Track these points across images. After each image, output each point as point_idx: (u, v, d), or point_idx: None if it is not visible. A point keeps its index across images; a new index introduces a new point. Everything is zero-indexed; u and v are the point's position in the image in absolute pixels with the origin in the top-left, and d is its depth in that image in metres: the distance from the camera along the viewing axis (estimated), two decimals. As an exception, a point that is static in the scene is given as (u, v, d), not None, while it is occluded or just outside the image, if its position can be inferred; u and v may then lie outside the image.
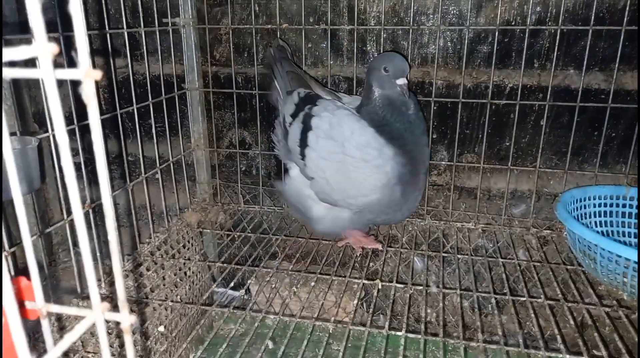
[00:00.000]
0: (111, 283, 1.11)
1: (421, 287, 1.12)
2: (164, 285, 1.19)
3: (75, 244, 1.05)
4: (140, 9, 1.24)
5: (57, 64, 0.28)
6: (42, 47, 0.25)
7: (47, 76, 0.27)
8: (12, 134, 0.95)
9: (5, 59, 0.25)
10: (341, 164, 1.12)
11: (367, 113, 1.15)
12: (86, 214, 1.07)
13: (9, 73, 0.28)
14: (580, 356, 0.89)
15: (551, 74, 1.25)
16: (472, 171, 1.42)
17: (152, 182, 1.32)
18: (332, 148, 1.14)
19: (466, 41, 1.30)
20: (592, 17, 1.18)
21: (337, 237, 1.32)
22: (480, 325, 1.00)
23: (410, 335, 0.95)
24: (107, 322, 0.33)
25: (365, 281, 1.16)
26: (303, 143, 1.18)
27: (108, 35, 1.15)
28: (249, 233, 1.46)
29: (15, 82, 1.52)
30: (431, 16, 1.31)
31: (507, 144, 1.35)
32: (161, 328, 1.08)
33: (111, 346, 0.98)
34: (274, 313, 1.08)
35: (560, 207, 1.16)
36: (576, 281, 1.15)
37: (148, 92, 1.28)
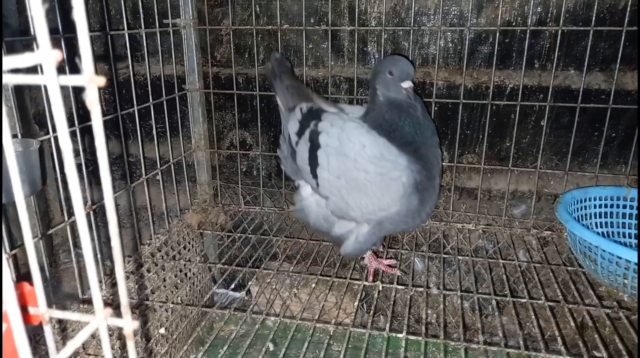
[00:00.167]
0: (113, 285, 1.11)
1: (422, 288, 1.12)
2: (164, 286, 1.19)
3: (76, 245, 1.05)
4: (140, 10, 1.24)
5: (59, 67, 0.28)
6: (46, 54, 0.25)
7: (51, 82, 0.27)
8: (13, 136, 0.95)
9: (8, 66, 0.25)
10: (356, 181, 1.07)
11: (374, 120, 1.12)
12: (87, 216, 1.07)
13: (12, 79, 0.28)
14: (581, 357, 0.89)
15: (552, 75, 1.25)
16: (472, 172, 1.42)
17: (152, 183, 1.32)
18: (344, 165, 1.08)
19: (467, 42, 1.30)
20: (593, 18, 1.18)
21: (360, 258, 1.28)
22: (481, 326, 1.00)
23: (411, 337, 0.95)
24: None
25: (366, 283, 1.16)
26: (313, 162, 1.13)
27: (109, 36, 1.15)
28: (249, 234, 1.46)
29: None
30: (432, 17, 1.31)
31: (508, 144, 1.35)
32: (162, 330, 1.09)
33: (112, 348, 0.98)
34: (274, 315, 1.08)
35: (561, 208, 1.16)
36: (576, 282, 1.15)
37: (149, 93, 1.28)
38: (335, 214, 1.16)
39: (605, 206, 1.25)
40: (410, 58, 1.35)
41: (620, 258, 0.97)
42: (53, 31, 0.93)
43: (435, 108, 1.38)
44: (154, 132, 1.32)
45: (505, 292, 1.11)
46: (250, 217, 1.54)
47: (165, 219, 1.39)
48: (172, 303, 1.12)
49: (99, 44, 1.45)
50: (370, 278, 1.20)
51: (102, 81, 0.28)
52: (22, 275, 1.16)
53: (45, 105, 0.95)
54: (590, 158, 1.32)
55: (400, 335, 0.95)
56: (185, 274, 1.30)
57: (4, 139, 0.29)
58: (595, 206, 1.25)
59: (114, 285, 1.12)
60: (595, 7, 1.17)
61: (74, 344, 0.29)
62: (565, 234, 1.23)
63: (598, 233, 1.23)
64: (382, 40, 1.35)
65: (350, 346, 0.95)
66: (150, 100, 1.27)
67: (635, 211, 1.23)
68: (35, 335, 0.84)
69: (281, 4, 1.38)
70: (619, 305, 1.05)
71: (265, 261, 1.41)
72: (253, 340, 0.99)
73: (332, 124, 1.12)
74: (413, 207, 1.08)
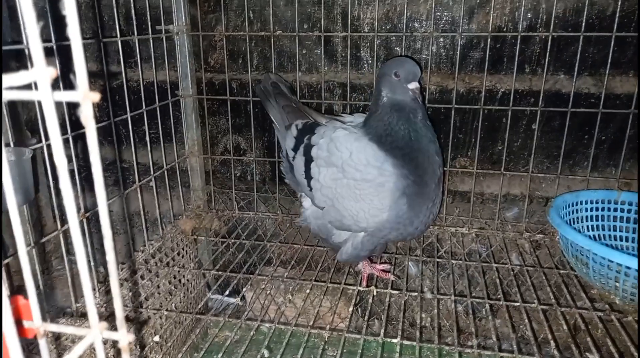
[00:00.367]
0: (107, 292, 1.11)
1: (416, 293, 1.13)
2: (158, 293, 1.19)
3: (69, 252, 1.04)
4: (133, 16, 1.24)
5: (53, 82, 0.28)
6: (41, 71, 0.25)
7: (46, 98, 0.27)
8: (6, 145, 0.94)
9: (4, 85, 0.25)
10: (346, 189, 1.10)
11: (373, 122, 1.12)
12: (80, 223, 1.06)
13: (8, 95, 0.28)
14: (574, 360, 0.90)
15: (542, 79, 1.27)
16: (465, 175, 1.43)
17: (146, 189, 1.32)
18: (334, 175, 1.12)
19: (459, 47, 1.31)
20: (583, 24, 1.20)
21: (354, 264, 1.29)
22: (475, 329, 1.01)
23: (406, 342, 0.95)
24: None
25: (360, 288, 1.17)
26: (308, 175, 1.17)
27: (101, 43, 1.15)
28: (243, 239, 1.46)
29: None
30: (424, 23, 1.32)
31: (500, 148, 1.37)
32: (156, 338, 1.08)
33: (106, 356, 0.98)
34: (269, 321, 1.08)
35: (553, 212, 1.17)
36: (569, 285, 1.16)
37: (142, 99, 1.27)
38: (333, 224, 1.17)
39: (597, 209, 1.26)
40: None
41: (611, 261, 0.98)
42: (45, 40, 0.92)
43: (428, 112, 1.38)
44: (147, 138, 1.32)
45: (499, 295, 1.12)
46: (244, 222, 1.54)
47: (159, 226, 1.38)
48: (167, 310, 1.11)
49: (92, 50, 1.45)
50: (364, 283, 1.21)
51: (96, 96, 0.28)
52: (15, 285, 1.15)
53: (38, 112, 0.94)
54: (580, 160, 1.34)
55: (395, 340, 0.95)
56: (180, 280, 1.30)
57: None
58: (586, 210, 1.26)
59: (107, 292, 1.11)
60: (585, 13, 1.19)
61: (69, 358, 0.29)
62: (558, 237, 1.24)
63: (589, 237, 1.25)
64: (375, 46, 1.36)
65: (345, 351, 0.95)
66: (144, 106, 1.27)
67: (626, 215, 1.24)
68: (28, 345, 0.83)
69: (274, 10, 1.38)
70: (610, 307, 1.06)
71: (259, 266, 1.41)
72: (248, 346, 0.99)
73: (323, 136, 1.15)
74: (402, 213, 1.07)
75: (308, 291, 1.17)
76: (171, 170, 1.46)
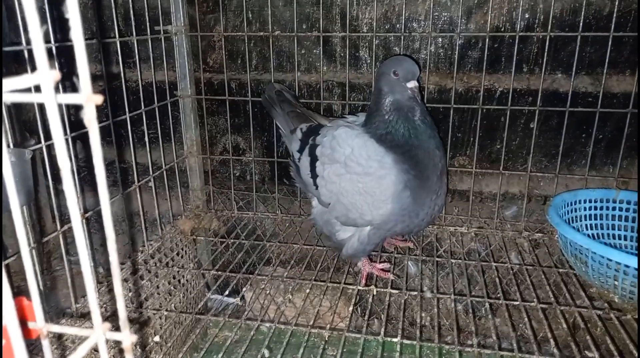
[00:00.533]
0: (106, 292, 1.11)
1: (415, 292, 1.13)
2: (158, 293, 1.19)
3: (68, 252, 1.04)
4: (132, 17, 1.24)
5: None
6: (45, 75, 0.26)
7: (50, 101, 0.27)
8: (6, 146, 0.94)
9: (8, 88, 0.25)
10: (349, 183, 1.13)
11: (373, 121, 1.14)
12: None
13: (11, 98, 0.28)
14: (573, 358, 0.91)
15: (540, 79, 1.27)
16: (464, 174, 1.44)
17: (145, 189, 1.32)
18: (338, 171, 1.15)
19: (457, 47, 1.31)
20: (580, 24, 1.20)
21: (356, 261, 1.29)
22: (475, 328, 1.01)
23: (406, 342, 0.95)
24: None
25: (360, 288, 1.17)
26: (313, 174, 1.21)
27: (100, 43, 1.15)
28: (243, 239, 1.46)
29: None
30: (422, 23, 1.32)
31: (498, 147, 1.37)
32: (157, 338, 1.08)
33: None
34: (269, 321, 1.08)
35: (552, 211, 1.17)
36: (568, 284, 1.16)
37: (141, 100, 1.27)
38: (339, 220, 1.20)
39: (595, 208, 1.26)
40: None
41: (610, 260, 0.98)
42: (45, 40, 0.92)
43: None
44: (146, 138, 1.32)
45: (498, 294, 1.13)
46: (243, 222, 1.54)
47: (158, 226, 1.38)
48: (166, 310, 1.12)
49: (91, 50, 1.45)
50: (363, 281, 1.21)
51: (99, 99, 0.28)
52: (16, 286, 1.15)
53: (37, 113, 0.94)
54: (578, 159, 1.34)
55: (395, 340, 0.96)
56: (179, 281, 1.30)
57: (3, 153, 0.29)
58: (585, 209, 1.27)
59: (107, 292, 1.11)
60: (582, 13, 1.19)
61: (73, 359, 0.29)
62: (556, 236, 1.24)
63: (588, 235, 1.25)
64: (374, 45, 1.36)
65: (345, 350, 0.95)
66: (142, 107, 1.27)
67: (624, 213, 1.25)
68: (28, 345, 0.83)
69: (273, 10, 1.38)
70: (609, 306, 1.06)
71: (259, 266, 1.41)
72: (248, 346, 0.99)
73: (326, 135, 1.19)
74: (406, 205, 1.10)
75: (308, 291, 1.17)
76: (170, 170, 1.46)
